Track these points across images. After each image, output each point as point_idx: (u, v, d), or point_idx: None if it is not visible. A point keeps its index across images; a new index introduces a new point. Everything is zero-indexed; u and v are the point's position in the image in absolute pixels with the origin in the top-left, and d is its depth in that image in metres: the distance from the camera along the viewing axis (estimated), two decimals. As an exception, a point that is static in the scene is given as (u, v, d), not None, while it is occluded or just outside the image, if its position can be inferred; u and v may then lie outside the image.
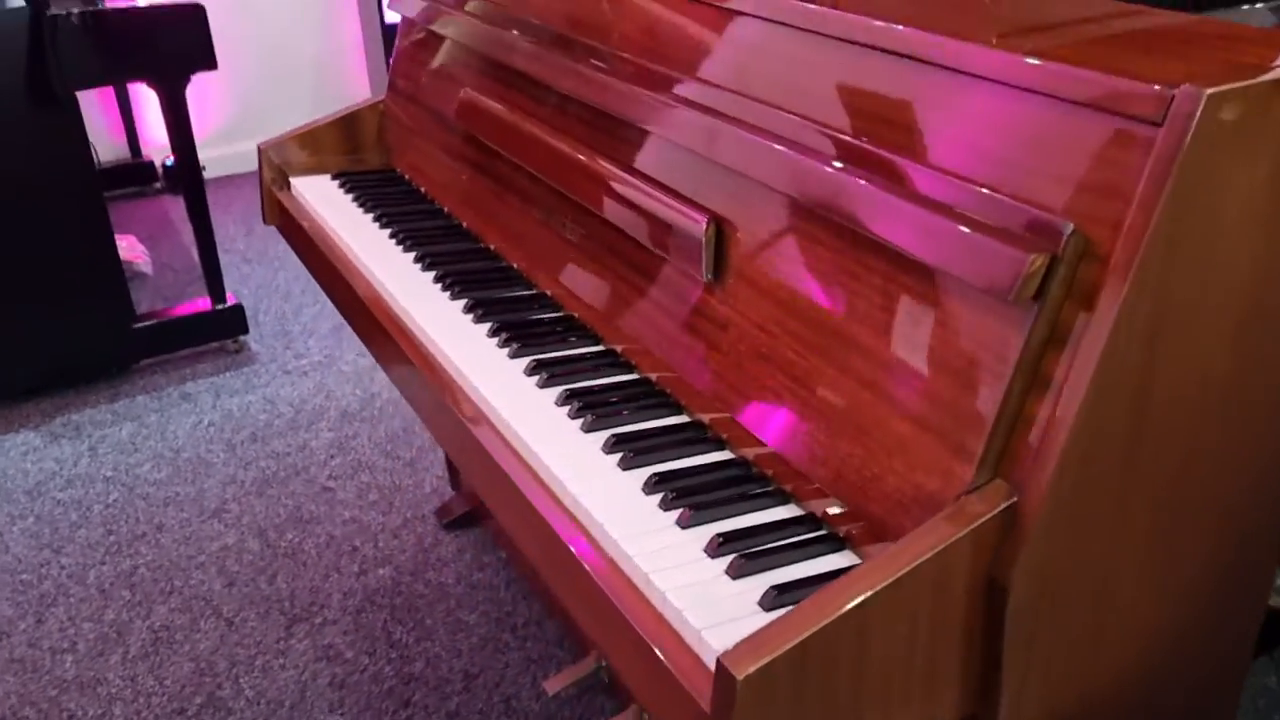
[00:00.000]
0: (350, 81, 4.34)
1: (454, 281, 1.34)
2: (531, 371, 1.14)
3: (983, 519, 0.76)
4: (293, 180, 1.75)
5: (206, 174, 4.04)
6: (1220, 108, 0.69)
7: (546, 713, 1.71)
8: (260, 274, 3.36)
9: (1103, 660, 0.87)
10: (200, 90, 4.07)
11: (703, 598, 0.83)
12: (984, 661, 0.81)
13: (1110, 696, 0.90)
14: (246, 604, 1.98)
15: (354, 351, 2.85)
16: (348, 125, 1.81)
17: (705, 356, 1.04)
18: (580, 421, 1.06)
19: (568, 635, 1.85)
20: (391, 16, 4.06)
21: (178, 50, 2.55)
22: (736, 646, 0.72)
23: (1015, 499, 0.76)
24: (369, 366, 2.77)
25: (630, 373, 1.15)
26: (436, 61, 1.67)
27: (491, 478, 1.04)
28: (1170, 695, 0.98)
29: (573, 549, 0.91)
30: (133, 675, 1.83)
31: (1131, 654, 0.89)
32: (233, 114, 4.16)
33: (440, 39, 1.66)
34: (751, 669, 0.70)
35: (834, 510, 0.89)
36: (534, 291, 1.33)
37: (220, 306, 2.82)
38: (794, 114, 0.98)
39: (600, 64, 1.25)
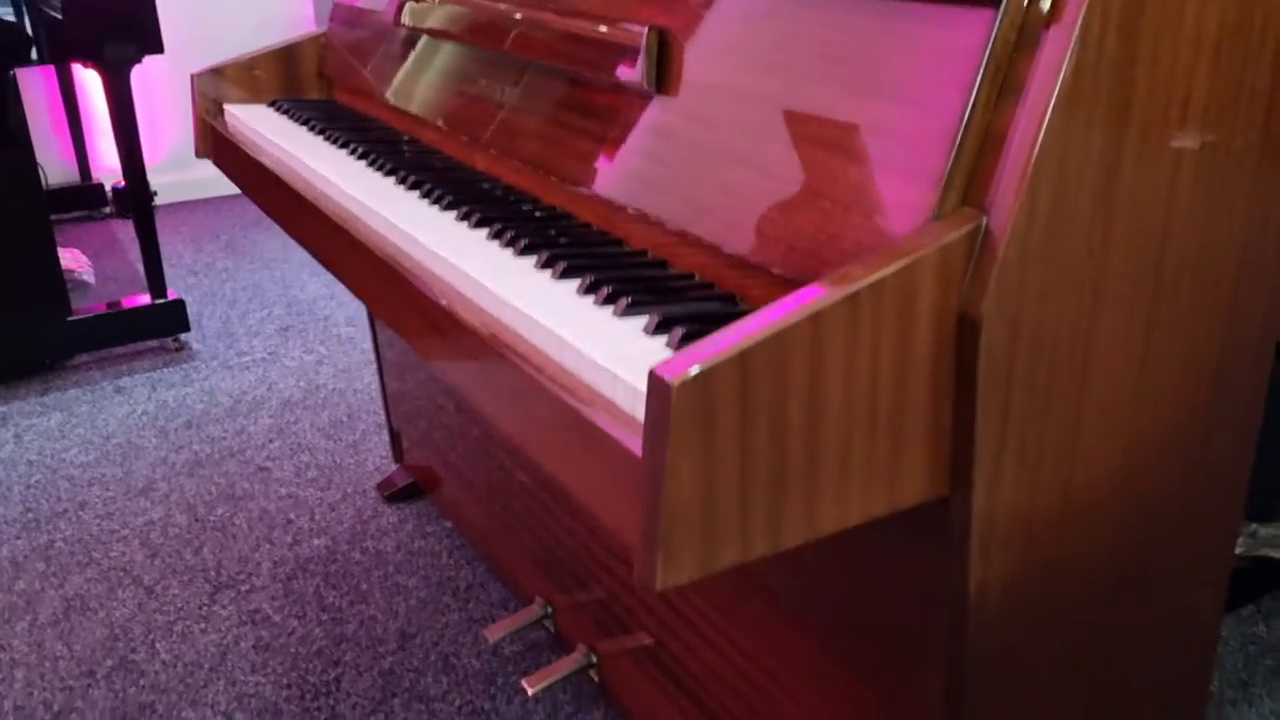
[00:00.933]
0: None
1: (408, 175, 1.25)
2: (462, 217, 1.06)
3: (950, 237, 0.67)
4: (227, 106, 1.67)
5: (158, 200, 3.97)
6: None
7: (489, 670, 1.58)
8: (206, 284, 3.26)
9: (1080, 456, 0.77)
10: (152, 117, 4.01)
11: (632, 359, 0.74)
12: (955, 431, 0.72)
13: (1089, 504, 0.80)
14: (169, 574, 1.84)
15: (300, 349, 2.75)
16: (286, 58, 1.74)
17: (652, 175, 0.96)
18: (511, 249, 0.97)
19: (513, 595, 1.72)
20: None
21: (124, 33, 2.48)
22: (670, 360, 0.62)
23: (984, 219, 0.68)
24: (314, 362, 2.66)
25: (569, 220, 1.06)
26: (378, -21, 1.61)
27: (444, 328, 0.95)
28: (1157, 539, 0.88)
29: (510, 343, 0.81)
30: (39, 641, 1.68)
31: (1114, 460, 0.80)
32: (184, 141, 4.10)
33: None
34: (690, 374, 0.61)
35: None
36: (476, 172, 1.25)
37: (160, 301, 2.71)
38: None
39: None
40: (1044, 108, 0.67)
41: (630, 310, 0.83)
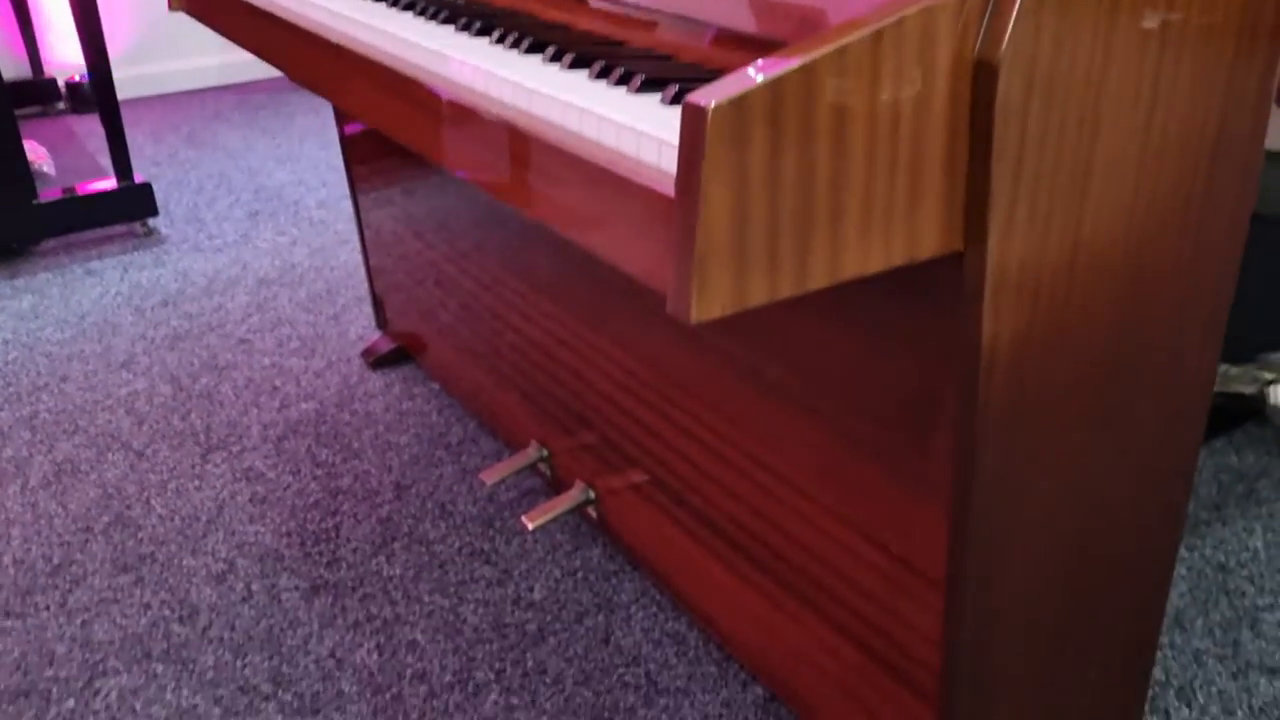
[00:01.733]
0: (264, 2, 4.19)
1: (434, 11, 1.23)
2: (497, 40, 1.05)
3: (969, -21, 0.68)
4: (199, -46, 1.63)
5: (113, 93, 3.87)
6: None
7: (486, 515, 1.61)
8: (170, 174, 3.20)
9: (1089, 212, 0.80)
10: (106, 11, 3.89)
11: (655, 120, 0.75)
12: (970, 182, 0.74)
13: (1095, 264, 0.83)
14: (158, 438, 1.84)
15: (271, 231, 2.72)
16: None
17: (651, -31, 0.96)
18: (540, 56, 0.97)
19: (507, 445, 1.75)
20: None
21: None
22: (703, 90, 0.63)
23: (1002, -32, 0.69)
24: (287, 243, 2.64)
25: (581, 30, 1.06)
26: None
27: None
28: (1154, 319, 0.91)
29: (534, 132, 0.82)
30: (33, 502, 1.68)
31: (1119, 221, 0.82)
32: (138, 36, 3.99)
33: None
34: (726, 99, 0.62)
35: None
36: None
37: (127, 184, 2.66)
38: None
39: None
40: None
41: (644, 88, 0.83)
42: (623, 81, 0.85)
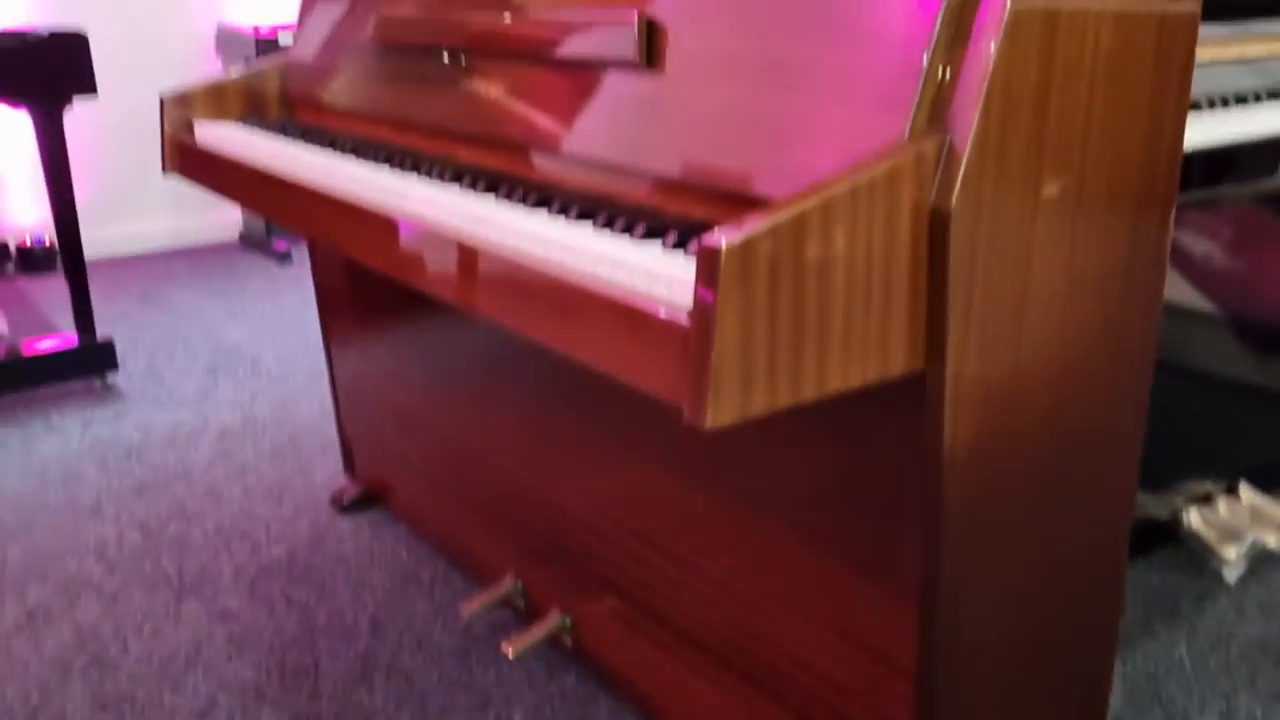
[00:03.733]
0: (216, 170, 4.35)
1: (403, 161, 1.37)
2: (482, 190, 1.19)
3: (923, 147, 0.84)
4: (197, 123, 1.77)
5: (63, 255, 3.94)
6: None
7: (463, 647, 1.66)
8: (126, 333, 3.27)
9: (1027, 333, 0.94)
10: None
11: (663, 263, 0.88)
12: (930, 309, 0.88)
13: (1035, 376, 0.97)
14: (130, 582, 1.87)
15: (231, 387, 2.79)
16: (250, 83, 1.85)
17: (642, 137, 1.11)
18: (545, 211, 1.11)
19: (479, 583, 1.81)
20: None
21: (58, 74, 2.55)
22: (716, 232, 0.77)
23: (949, 136, 0.85)
24: (248, 396, 2.72)
25: (575, 187, 1.21)
26: (342, 7, 1.74)
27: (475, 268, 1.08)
28: (1084, 401, 1.05)
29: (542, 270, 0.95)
30: (6, 647, 1.70)
31: (1052, 339, 0.97)
32: (93, 199, 4.10)
33: (348, -13, 1.74)
34: (736, 240, 0.75)
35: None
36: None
37: (89, 340, 2.73)
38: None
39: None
40: (990, 48, 0.85)
41: (647, 235, 0.97)
42: (626, 230, 0.99)
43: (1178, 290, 1.86)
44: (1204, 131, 1.39)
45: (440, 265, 1.10)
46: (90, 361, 2.74)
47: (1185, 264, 1.90)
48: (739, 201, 1.01)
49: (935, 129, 0.86)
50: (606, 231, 1.00)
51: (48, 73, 2.53)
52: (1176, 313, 1.84)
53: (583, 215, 1.05)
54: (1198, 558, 1.83)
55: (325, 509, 2.11)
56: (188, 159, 1.75)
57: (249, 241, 4.35)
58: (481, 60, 1.39)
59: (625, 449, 1.37)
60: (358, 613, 1.76)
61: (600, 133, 1.17)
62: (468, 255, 1.04)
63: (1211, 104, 1.52)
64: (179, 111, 1.79)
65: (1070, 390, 1.02)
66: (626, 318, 0.86)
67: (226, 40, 4.10)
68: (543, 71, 1.27)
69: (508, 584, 1.64)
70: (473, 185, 1.20)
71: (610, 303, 0.87)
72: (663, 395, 0.83)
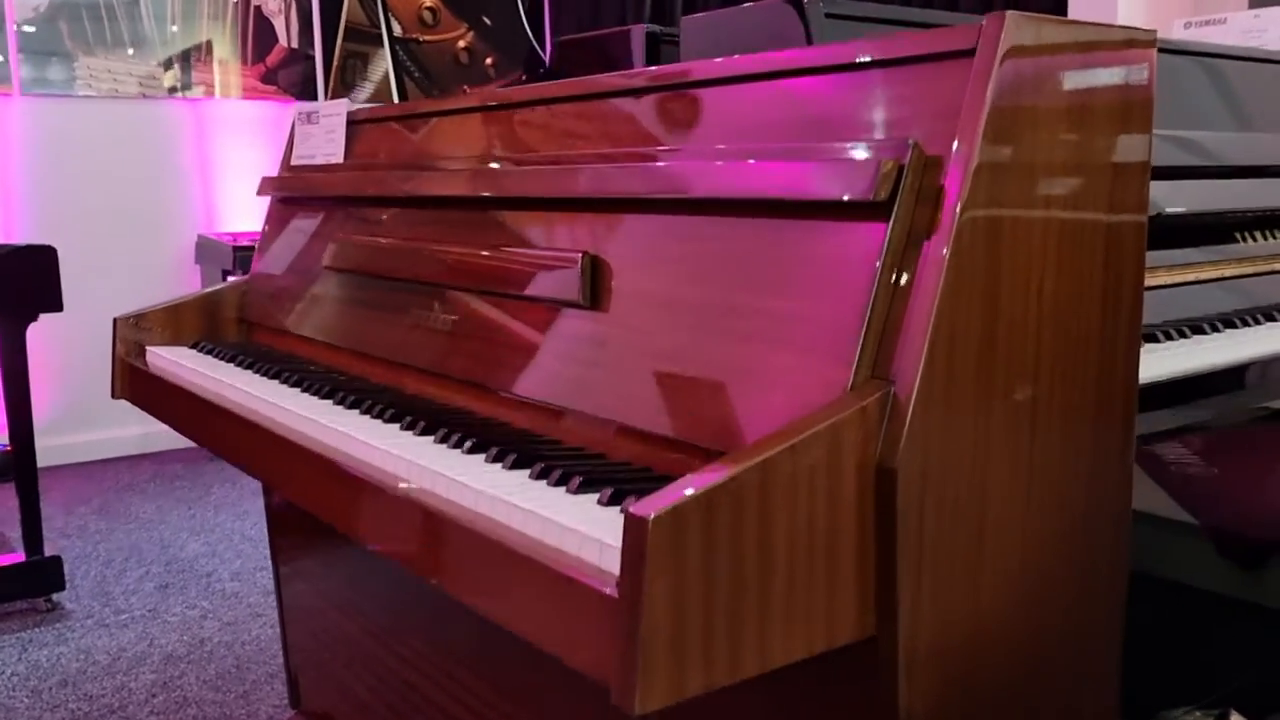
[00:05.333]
0: (188, 376, 4.33)
1: (346, 396, 1.33)
2: (423, 431, 1.15)
3: (866, 400, 0.80)
4: (150, 348, 1.74)
5: (26, 463, 3.87)
6: (1019, 30, 0.83)
7: None
8: (79, 546, 3.16)
9: (985, 586, 0.88)
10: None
11: (595, 523, 0.83)
12: (879, 570, 0.82)
13: (995, 630, 0.90)
14: (46, 835, 1.73)
15: (182, 605, 2.68)
16: (208, 304, 1.84)
17: (585, 379, 1.08)
18: (462, 449, 1.06)
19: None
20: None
21: (26, 289, 2.54)
22: (643, 501, 0.72)
23: (891, 388, 0.81)
24: (198, 616, 2.60)
25: (518, 428, 1.17)
26: (302, 224, 1.74)
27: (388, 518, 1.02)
28: (1052, 645, 0.98)
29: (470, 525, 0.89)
30: None
31: (1012, 590, 0.90)
32: (53, 407, 4.06)
33: (302, 200, 1.74)
34: (663, 509, 0.70)
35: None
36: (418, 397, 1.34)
37: (36, 558, 2.63)
38: (664, 149, 1.09)
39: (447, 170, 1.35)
40: (932, 297, 0.82)
41: (583, 489, 0.92)
42: (561, 482, 0.94)
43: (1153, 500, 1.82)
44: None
45: (374, 516, 1.04)
46: (35, 582, 2.63)
47: (1160, 473, 1.86)
48: (681, 448, 0.96)
49: (879, 379, 0.83)
50: (540, 482, 0.95)
51: (14, 288, 2.53)
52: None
53: (519, 463, 1.00)
54: (1195, 801, 1.71)
55: (267, 747, 1.98)
56: (137, 384, 1.72)
57: (218, 447, 4.28)
58: (433, 293, 1.37)
59: (576, 698, 1.28)
60: None
61: (546, 371, 1.14)
62: (401, 507, 0.99)
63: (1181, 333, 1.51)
64: (132, 334, 1.76)
65: (1038, 619, 0.94)
66: (553, 583, 0.80)
67: (206, 250, 4.16)
68: (491, 306, 1.25)
69: (452, 841, 1.51)
70: (412, 427, 1.15)
71: (537, 565, 0.82)
72: (590, 672, 0.76)
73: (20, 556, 2.64)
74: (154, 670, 2.32)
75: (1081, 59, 0.88)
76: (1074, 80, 0.88)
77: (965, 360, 0.84)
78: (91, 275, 4.05)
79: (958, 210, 0.82)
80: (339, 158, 1.70)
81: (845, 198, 0.85)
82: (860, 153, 0.87)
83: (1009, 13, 0.83)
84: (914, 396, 0.81)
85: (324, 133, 1.77)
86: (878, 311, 0.84)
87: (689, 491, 0.72)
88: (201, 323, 1.82)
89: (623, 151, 1.12)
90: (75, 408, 4.11)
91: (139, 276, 4.17)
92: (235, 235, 4.03)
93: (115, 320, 1.76)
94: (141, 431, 4.26)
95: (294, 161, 1.85)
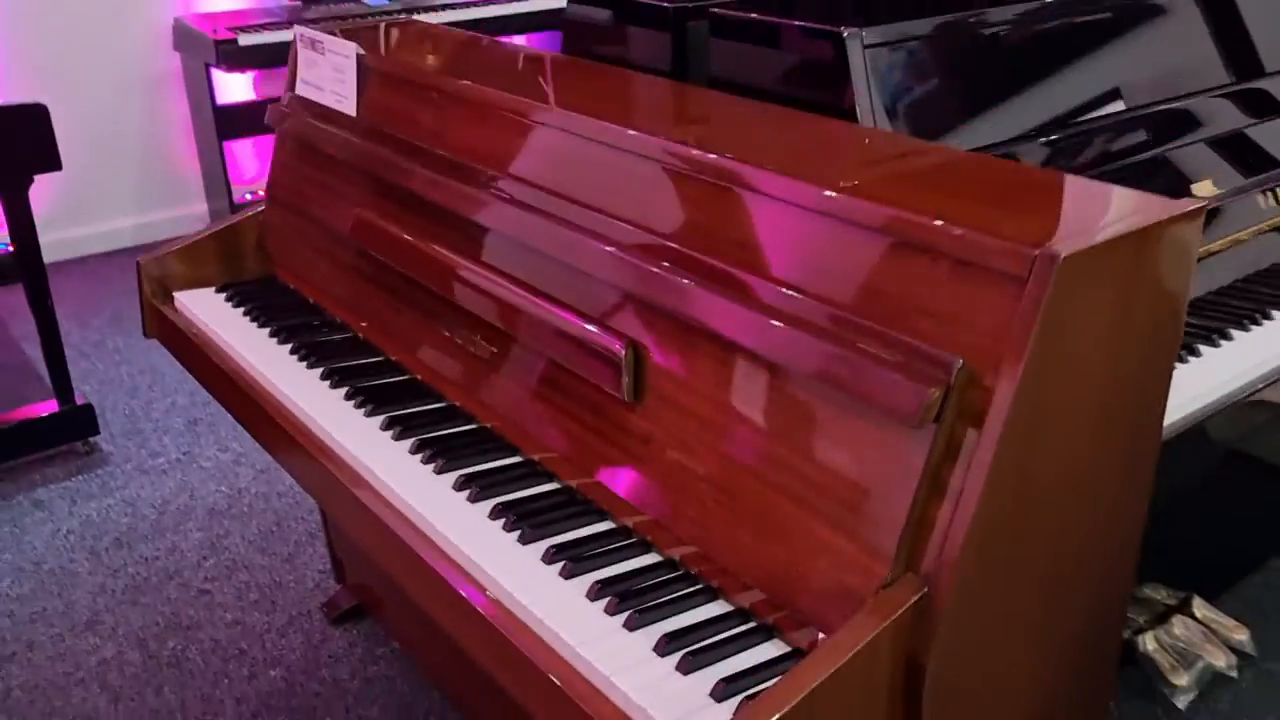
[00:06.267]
0: (179, 165, 4.27)
1: (366, 399, 1.40)
2: (460, 487, 1.22)
3: (900, 610, 0.89)
4: (177, 295, 1.77)
5: (30, 264, 3.90)
6: (1072, 264, 0.85)
7: (458, 800, 1.76)
8: (101, 370, 3.27)
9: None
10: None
11: (660, 694, 0.93)
12: (905, 733, 0.94)
13: None
14: (135, 718, 1.95)
15: (214, 446, 2.82)
16: (227, 238, 1.84)
17: (628, 467, 1.15)
18: (517, 534, 1.15)
19: (469, 716, 1.90)
20: (224, 98, 4.03)
21: (19, 152, 2.50)
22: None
23: (926, 590, 0.90)
24: (230, 461, 2.75)
25: (553, 481, 1.24)
26: (319, 174, 1.73)
27: (437, 596, 1.12)
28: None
29: (532, 658, 0.99)
30: (21, 806, 1.78)
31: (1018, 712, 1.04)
32: (56, 200, 4.03)
33: (321, 153, 1.72)
34: (727, 760, 0.81)
35: (759, 599, 1.01)
36: (445, 404, 1.40)
37: (68, 407, 2.74)
38: (729, 265, 1.11)
39: (500, 191, 1.35)
40: (972, 505, 0.89)
41: (638, 625, 1.01)
42: (619, 612, 1.03)
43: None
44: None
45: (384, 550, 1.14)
46: (70, 428, 2.75)
47: None
48: (718, 567, 1.05)
49: (912, 577, 0.91)
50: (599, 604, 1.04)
51: (9, 151, 2.48)
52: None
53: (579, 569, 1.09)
54: (1152, 681, 1.94)
55: (318, 619, 2.18)
56: (165, 328, 1.76)
57: (217, 236, 4.29)
58: (471, 320, 1.40)
59: None
60: (357, 757, 1.85)
61: (580, 443, 1.20)
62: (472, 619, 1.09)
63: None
64: (157, 276, 1.78)
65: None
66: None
67: (184, 37, 3.97)
68: (531, 357, 1.29)
69: (501, 747, 1.73)
70: (465, 488, 1.23)
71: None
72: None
73: (54, 405, 2.75)
74: (200, 527, 2.49)
75: (1127, 265, 0.91)
76: (1116, 293, 0.90)
77: (996, 556, 0.92)
78: (78, 55, 3.91)
79: (1000, 430, 0.88)
80: (351, 110, 1.66)
81: (891, 414, 0.90)
82: (911, 371, 0.90)
83: (1062, 254, 0.84)
84: (947, 598, 0.89)
85: (331, 70, 1.71)
86: (915, 515, 0.91)
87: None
88: (223, 258, 1.84)
89: (685, 255, 1.12)
90: (74, 197, 4.08)
91: (118, 67, 4.02)
92: (215, 22, 3.85)
93: (138, 263, 1.77)
94: (137, 222, 4.25)
95: (299, 90, 1.80)
